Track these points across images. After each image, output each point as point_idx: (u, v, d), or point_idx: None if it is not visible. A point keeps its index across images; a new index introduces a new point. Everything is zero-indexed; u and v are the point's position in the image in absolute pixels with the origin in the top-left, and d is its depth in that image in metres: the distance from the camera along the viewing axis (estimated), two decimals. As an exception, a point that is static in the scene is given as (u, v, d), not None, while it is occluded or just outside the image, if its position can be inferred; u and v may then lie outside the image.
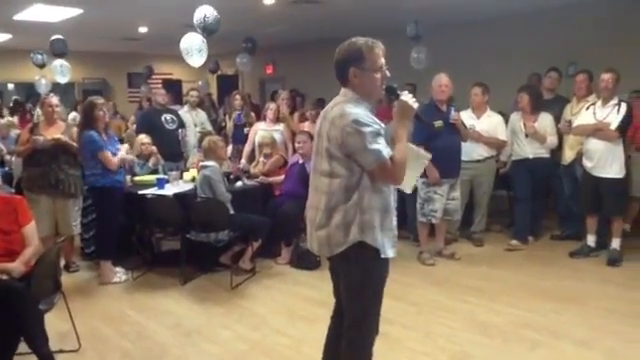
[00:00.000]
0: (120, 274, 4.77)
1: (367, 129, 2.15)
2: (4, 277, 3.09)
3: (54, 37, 8.34)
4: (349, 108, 2.20)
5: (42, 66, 10.23)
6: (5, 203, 3.29)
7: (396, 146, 2.24)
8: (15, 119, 8.89)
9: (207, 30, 5.99)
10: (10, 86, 12.01)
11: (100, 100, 4.66)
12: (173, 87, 11.62)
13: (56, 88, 9.90)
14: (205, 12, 6.00)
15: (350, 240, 2.24)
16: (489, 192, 5.64)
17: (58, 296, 3.33)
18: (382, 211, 2.26)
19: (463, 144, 5.10)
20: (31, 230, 3.33)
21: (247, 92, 9.66)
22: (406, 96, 2.30)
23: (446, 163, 4.82)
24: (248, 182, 5.38)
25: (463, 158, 5.13)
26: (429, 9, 7.26)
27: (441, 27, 7.89)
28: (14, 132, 7.55)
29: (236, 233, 4.61)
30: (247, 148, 6.28)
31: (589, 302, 4.08)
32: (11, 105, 10.64)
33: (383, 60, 2.28)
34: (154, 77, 13.01)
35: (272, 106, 6.26)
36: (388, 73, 2.30)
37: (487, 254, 5.38)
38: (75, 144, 4.68)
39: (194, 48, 6.05)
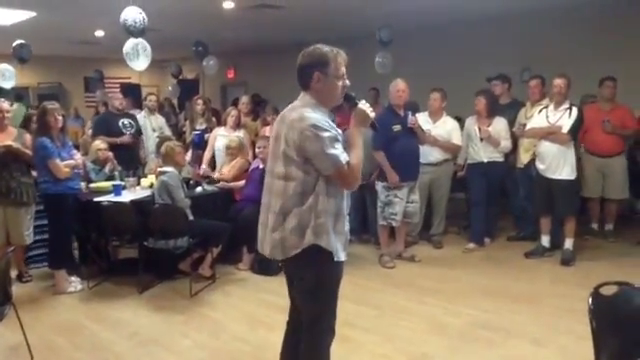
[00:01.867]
0: (75, 283, 4.64)
1: (325, 134, 2.18)
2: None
3: (17, 42, 8.09)
4: (308, 112, 2.22)
5: None
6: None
7: (352, 152, 2.28)
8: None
9: (131, 32, 5.63)
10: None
11: (53, 105, 4.53)
12: (132, 91, 11.40)
13: (9, 92, 9.59)
14: (127, 14, 5.64)
15: (305, 243, 2.25)
16: (447, 195, 5.74)
17: (8, 307, 3.21)
18: (335, 215, 2.29)
19: (420, 147, 5.19)
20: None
21: (207, 97, 9.56)
22: (363, 105, 2.36)
23: (405, 166, 4.89)
24: (208, 187, 5.32)
25: (420, 161, 5.21)
26: (390, 15, 7.35)
27: (403, 32, 8.00)
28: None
29: (195, 239, 4.55)
30: (207, 154, 6.22)
31: (543, 301, 4.19)
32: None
33: (344, 69, 2.33)
34: (112, 81, 12.74)
35: (233, 112, 6.22)
36: (348, 82, 2.35)
37: (446, 256, 5.48)
38: (28, 151, 4.54)
39: (134, 51, 5.73)
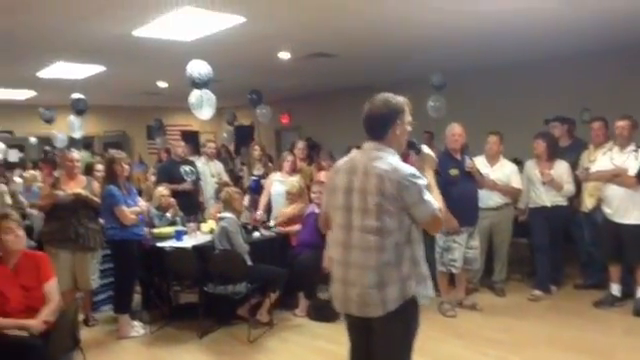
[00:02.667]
0: (138, 328, 4.75)
1: (421, 182, 2.23)
2: (23, 334, 3.10)
3: (75, 96, 8.61)
4: (397, 162, 2.27)
5: (50, 121, 10.50)
6: (28, 259, 3.34)
7: (434, 196, 2.32)
8: (38, 173, 9.07)
9: (197, 85, 5.95)
10: (32, 140, 12.33)
11: (120, 155, 4.76)
12: (191, 138, 11.84)
13: (76, 141, 10.17)
14: (194, 67, 6.00)
15: (407, 294, 2.24)
16: (508, 240, 5.57)
17: (76, 353, 3.33)
18: (425, 260, 2.34)
19: (479, 192, 5.10)
20: (52, 287, 3.36)
21: (263, 143, 9.81)
22: (427, 149, 2.45)
23: (463, 211, 4.79)
24: (265, 233, 5.39)
25: (480, 205, 5.11)
26: (442, 59, 7.40)
27: (457, 75, 8.00)
28: (37, 185, 7.73)
29: (254, 285, 4.59)
30: (264, 199, 6.31)
31: (616, 355, 3.95)
32: (43, 157, 10.88)
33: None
34: (172, 128, 13.29)
35: (289, 157, 6.32)
36: (410, 128, 2.41)
37: (509, 304, 5.27)
38: (96, 198, 4.75)
39: (200, 102, 6.06)
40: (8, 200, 6.04)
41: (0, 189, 5.96)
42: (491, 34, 6.25)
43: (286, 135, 13.22)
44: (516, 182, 5.42)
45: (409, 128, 2.38)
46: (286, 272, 4.83)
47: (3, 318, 3.11)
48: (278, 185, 6.13)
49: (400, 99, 2.37)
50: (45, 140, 11.35)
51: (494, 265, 5.64)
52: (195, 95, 5.10)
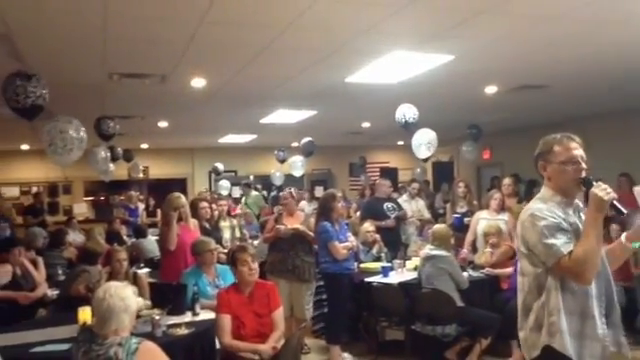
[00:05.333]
0: (347, 360, 4.92)
1: (542, 222, 2.11)
2: (256, 357, 3.43)
3: (305, 140, 9.62)
4: (534, 203, 2.23)
5: (283, 161, 11.68)
6: (260, 288, 3.71)
7: (580, 241, 2.09)
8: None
9: (407, 126, 6.26)
10: (251, 178, 13.90)
11: (339, 193, 5.09)
12: (389, 174, 12.14)
13: (288, 179, 11.17)
14: (404, 111, 6.34)
15: (541, 343, 2.13)
16: None
17: (299, 379, 3.56)
18: (577, 315, 2.09)
19: None
20: (280, 315, 3.67)
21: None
22: (597, 187, 2.11)
23: None
24: (473, 273, 5.21)
25: None
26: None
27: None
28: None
29: (464, 328, 4.44)
30: (469, 237, 6.12)
31: None
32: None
33: (577, 152, 2.22)
34: (372, 165, 13.79)
35: (496, 195, 6.06)
36: (584, 165, 2.21)
37: None
38: (311, 233, 5.11)
39: (423, 142, 6.39)
40: (237, 233, 6.83)
41: (232, 223, 6.74)
42: None
43: (487, 171, 12.76)
44: None
45: (569, 168, 2.19)
46: (499, 318, 4.58)
47: (239, 342, 3.48)
48: (484, 223, 5.90)
49: (552, 137, 2.29)
50: (265, 178, 12.66)
51: None
52: (420, 135, 5.29)
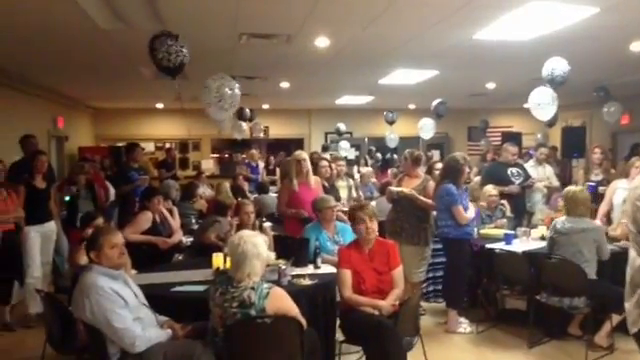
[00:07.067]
0: (465, 325, 4.84)
1: None
2: (375, 312, 3.48)
3: (437, 101, 9.51)
4: None
5: (392, 123, 11.57)
6: (381, 246, 3.74)
7: None
8: (371, 170, 10.13)
9: (554, 83, 5.79)
10: (366, 140, 13.90)
11: (465, 157, 4.94)
12: (513, 139, 11.49)
13: (403, 142, 11.04)
14: (554, 65, 5.82)
15: None
16: None
17: (417, 339, 3.57)
18: None
19: None
20: (399, 273, 3.69)
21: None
22: None
23: None
24: (611, 246, 4.83)
25: None
26: None
27: None
28: (372, 181, 8.65)
29: (594, 302, 4.17)
30: (603, 207, 5.68)
31: None
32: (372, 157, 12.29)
33: None
34: (493, 130, 13.16)
35: (638, 163, 5.53)
36: None
37: None
38: (423, 198, 4.98)
39: (544, 101, 5.92)
40: (354, 193, 6.89)
41: (349, 183, 6.81)
42: None
43: (624, 138, 11.66)
44: None
45: None
46: (635, 293, 4.24)
47: (360, 296, 3.56)
48: (622, 193, 5.43)
49: None
50: (379, 140, 12.63)
51: None
52: (538, 94, 4.93)
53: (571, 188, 4.72)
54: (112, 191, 7.19)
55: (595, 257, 4.30)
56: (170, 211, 5.51)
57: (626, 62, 7.07)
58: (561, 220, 4.47)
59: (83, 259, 3.59)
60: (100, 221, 4.47)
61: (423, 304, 5.42)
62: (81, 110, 12.10)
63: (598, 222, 5.49)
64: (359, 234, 3.74)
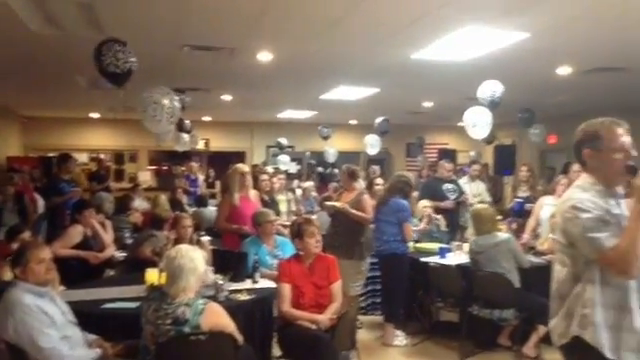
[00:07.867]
0: (401, 338, 4.93)
1: (585, 215, 2.02)
2: (313, 327, 3.49)
3: (380, 119, 9.71)
4: (576, 193, 2.12)
5: (326, 138, 11.71)
6: (321, 260, 3.76)
7: (624, 235, 1.99)
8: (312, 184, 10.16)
9: (493, 105, 6.09)
10: (307, 154, 13.96)
11: (410, 175, 5.09)
12: (448, 156, 11.88)
13: (344, 157, 11.18)
14: (493, 88, 6.12)
15: (570, 332, 2.09)
16: None
17: (353, 353, 3.61)
18: (615, 308, 2.02)
19: None
20: (338, 287, 3.72)
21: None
22: None
23: None
24: (535, 259, 5.07)
25: None
26: None
27: None
28: (312, 195, 8.69)
29: (522, 314, 4.36)
30: (531, 223, 5.96)
31: None
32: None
33: (625, 139, 2.10)
34: (430, 147, 13.55)
35: (563, 181, 5.85)
36: (634, 152, 2.10)
37: None
38: (356, 212, 4.96)
39: (480, 123, 6.19)
40: (293, 207, 6.91)
41: (288, 197, 6.83)
42: None
43: (552, 156, 12.30)
44: None
45: (617, 156, 2.07)
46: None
47: (298, 310, 3.56)
48: (548, 209, 5.72)
49: (597, 123, 2.15)
50: (321, 154, 12.72)
51: None
52: (473, 113, 5.13)
53: (476, 207, 4.98)
54: (41, 203, 6.87)
55: (515, 266, 4.49)
56: (102, 224, 5.32)
57: (554, 85, 7.50)
58: (474, 240, 4.69)
59: (7, 275, 3.41)
60: (26, 235, 4.27)
61: (360, 317, 5.47)
62: (10, 118, 11.52)
63: (526, 236, 5.78)
64: (307, 248, 3.73)
